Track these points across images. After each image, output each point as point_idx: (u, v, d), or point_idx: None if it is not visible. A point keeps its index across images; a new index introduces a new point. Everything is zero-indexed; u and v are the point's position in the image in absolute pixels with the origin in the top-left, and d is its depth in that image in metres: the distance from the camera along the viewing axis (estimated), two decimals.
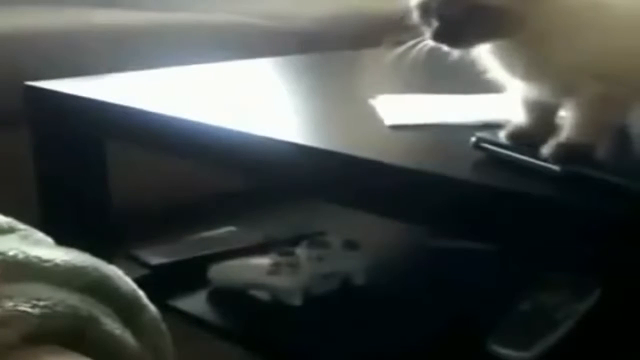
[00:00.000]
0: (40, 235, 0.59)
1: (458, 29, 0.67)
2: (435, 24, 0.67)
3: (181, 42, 1.51)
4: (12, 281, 0.46)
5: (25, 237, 0.57)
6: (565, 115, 0.70)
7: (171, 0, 1.88)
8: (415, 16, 0.69)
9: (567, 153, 0.67)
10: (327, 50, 1.49)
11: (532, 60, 0.68)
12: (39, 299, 0.45)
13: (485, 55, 0.71)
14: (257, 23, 1.66)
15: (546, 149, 0.67)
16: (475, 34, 0.68)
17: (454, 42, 0.68)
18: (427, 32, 0.68)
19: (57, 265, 0.49)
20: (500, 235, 0.67)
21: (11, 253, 0.49)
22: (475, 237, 0.85)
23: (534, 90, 0.71)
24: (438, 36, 0.68)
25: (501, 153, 0.70)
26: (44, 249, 0.52)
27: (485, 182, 0.68)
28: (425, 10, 0.68)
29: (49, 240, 0.60)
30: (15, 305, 0.43)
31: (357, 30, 1.73)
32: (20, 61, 1.32)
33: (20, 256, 0.49)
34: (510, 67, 0.70)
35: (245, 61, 1.25)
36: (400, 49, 0.70)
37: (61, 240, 0.62)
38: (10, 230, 0.58)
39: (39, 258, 0.49)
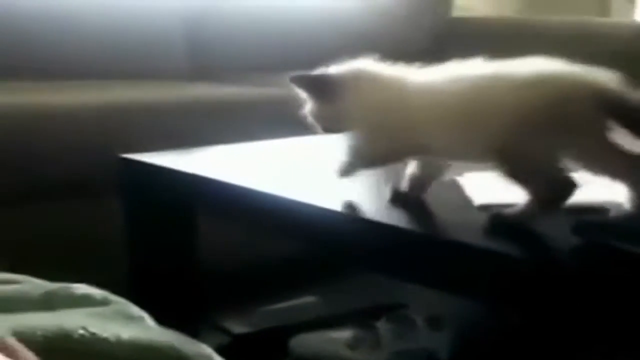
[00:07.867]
0: (134, 309, 0.60)
1: None
2: None
3: (268, 116, 1.55)
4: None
5: (116, 312, 0.59)
6: None
7: (260, 75, 1.94)
8: None
9: None
10: None
11: None
12: None
13: None
14: None
15: None
16: None
17: None
18: None
19: (122, 343, 0.50)
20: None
21: (79, 332, 0.50)
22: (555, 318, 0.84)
23: None
24: None
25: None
26: (123, 327, 0.53)
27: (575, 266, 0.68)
28: None
29: (142, 314, 0.61)
30: None
31: None
32: (115, 134, 1.37)
33: (87, 336, 0.50)
34: None
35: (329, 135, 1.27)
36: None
37: (151, 309, 0.64)
38: (103, 303, 0.60)
39: (115, 336, 0.50)
